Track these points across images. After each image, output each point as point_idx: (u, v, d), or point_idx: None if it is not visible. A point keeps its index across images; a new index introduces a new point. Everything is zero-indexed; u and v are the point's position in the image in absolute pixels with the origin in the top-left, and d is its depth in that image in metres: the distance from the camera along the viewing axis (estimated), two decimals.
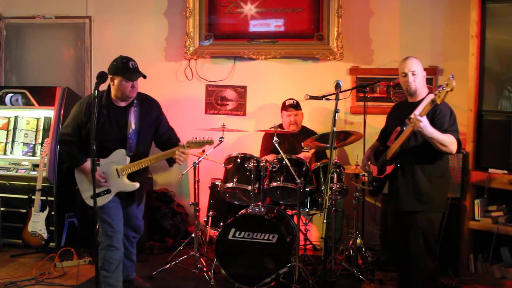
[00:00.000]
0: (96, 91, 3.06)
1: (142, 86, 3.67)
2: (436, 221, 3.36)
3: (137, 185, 3.50)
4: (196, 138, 3.44)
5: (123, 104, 3.51)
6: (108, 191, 3.46)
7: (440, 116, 3.26)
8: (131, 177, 3.52)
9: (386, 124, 3.74)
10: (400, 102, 3.89)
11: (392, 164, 3.42)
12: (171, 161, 3.58)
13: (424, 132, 3.10)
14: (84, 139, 3.44)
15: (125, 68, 3.38)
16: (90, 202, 3.45)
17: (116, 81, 3.41)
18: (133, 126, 3.48)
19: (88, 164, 3.37)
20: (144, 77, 3.44)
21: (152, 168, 4.91)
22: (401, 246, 3.46)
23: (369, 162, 3.68)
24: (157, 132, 3.66)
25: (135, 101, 3.53)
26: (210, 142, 3.49)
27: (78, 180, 3.55)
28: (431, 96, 3.18)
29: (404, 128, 3.24)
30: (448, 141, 3.18)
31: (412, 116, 3.08)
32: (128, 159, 3.47)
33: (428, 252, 3.30)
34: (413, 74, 3.35)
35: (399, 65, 3.45)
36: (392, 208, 3.57)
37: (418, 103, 3.26)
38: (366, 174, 3.95)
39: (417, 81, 3.37)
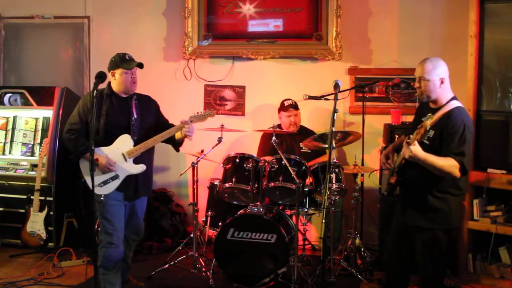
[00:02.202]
0: (95, 91, 3.08)
1: (142, 85, 3.69)
2: (443, 237, 3.05)
3: (144, 166, 3.56)
4: (197, 112, 3.61)
5: (124, 96, 3.62)
6: (116, 177, 3.49)
7: (451, 132, 2.87)
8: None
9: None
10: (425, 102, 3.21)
11: (398, 174, 3.12)
12: (176, 145, 3.72)
13: (416, 160, 2.81)
14: (90, 129, 3.47)
15: (122, 60, 3.53)
16: (97, 191, 3.43)
17: (117, 75, 3.53)
18: (135, 115, 3.59)
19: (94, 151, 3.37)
20: (141, 66, 3.56)
21: None
22: (398, 253, 3.25)
23: (389, 161, 3.33)
24: (158, 122, 3.75)
25: (135, 96, 3.65)
26: (211, 114, 3.66)
27: (84, 170, 3.51)
28: (455, 103, 2.96)
29: None
30: (448, 166, 2.82)
31: (404, 147, 2.81)
32: (132, 143, 3.54)
33: (434, 264, 3.08)
34: (420, 81, 2.98)
35: None
36: (397, 216, 3.30)
37: (438, 109, 3.00)
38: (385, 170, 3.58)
39: (428, 89, 2.97)
